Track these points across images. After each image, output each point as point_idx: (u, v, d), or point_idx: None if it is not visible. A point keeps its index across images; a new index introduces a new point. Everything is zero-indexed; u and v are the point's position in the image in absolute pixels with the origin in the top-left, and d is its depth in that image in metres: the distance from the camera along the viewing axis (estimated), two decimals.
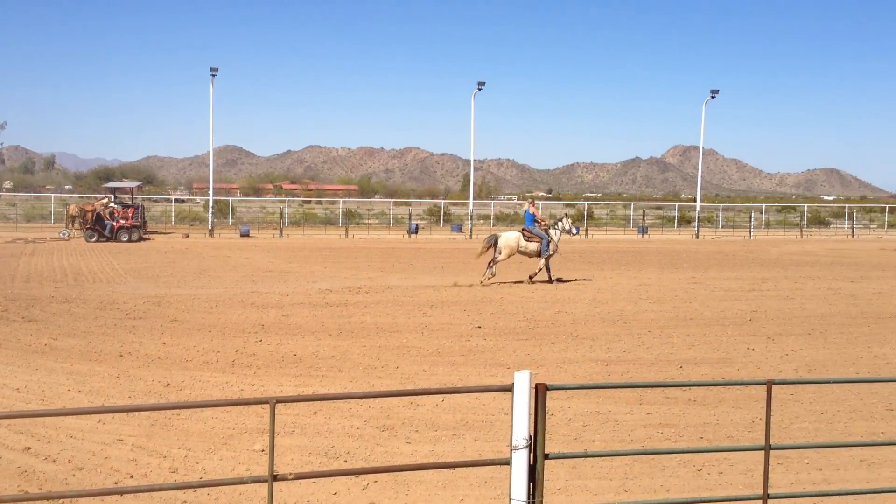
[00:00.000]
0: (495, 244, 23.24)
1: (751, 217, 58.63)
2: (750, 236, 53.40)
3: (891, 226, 62.74)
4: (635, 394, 10.59)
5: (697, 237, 51.96)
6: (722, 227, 62.63)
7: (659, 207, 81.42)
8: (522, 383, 3.54)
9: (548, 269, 23.39)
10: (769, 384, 3.74)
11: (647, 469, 7.83)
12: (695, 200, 60.87)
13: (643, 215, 62.82)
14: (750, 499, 4.04)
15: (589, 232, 53.78)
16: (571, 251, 36.80)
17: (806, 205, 72.06)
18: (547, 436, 8.77)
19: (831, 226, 66.26)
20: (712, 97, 54.81)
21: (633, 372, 12.06)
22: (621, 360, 12.80)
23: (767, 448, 3.80)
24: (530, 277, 23.26)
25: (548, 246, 23.41)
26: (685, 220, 63.40)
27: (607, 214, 74.15)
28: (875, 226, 67.42)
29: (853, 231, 59.00)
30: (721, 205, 75.56)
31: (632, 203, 74.07)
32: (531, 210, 24.53)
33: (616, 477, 7.64)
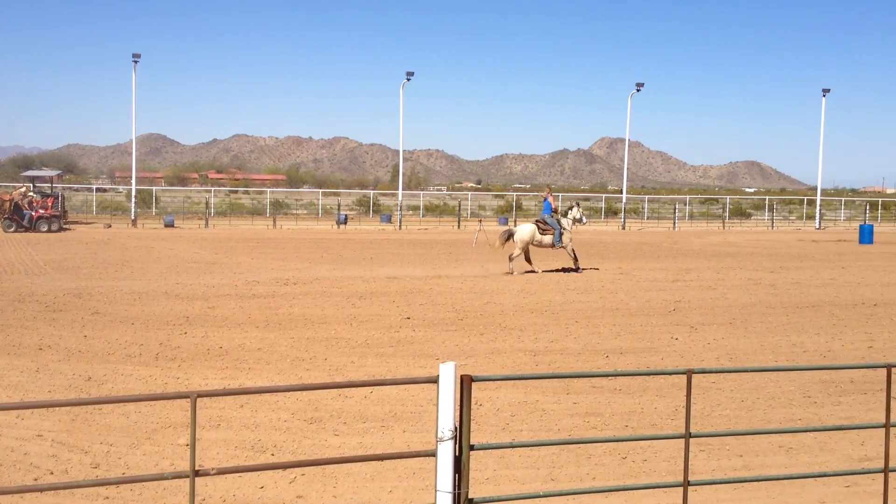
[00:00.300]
0: (510, 237, 24.05)
1: (675, 209, 59.72)
2: (674, 227, 54.45)
3: (808, 217, 64.55)
4: (563, 383, 10.70)
5: (624, 228, 52.77)
6: (647, 219, 63.73)
7: (587, 199, 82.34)
8: (448, 375, 3.54)
9: (574, 256, 24.41)
10: (689, 373, 3.82)
11: (573, 458, 7.93)
12: (621, 192, 61.81)
13: (570, 207, 63.44)
14: (672, 486, 4.12)
15: (518, 223, 54.13)
16: None
17: (728, 197, 73.80)
18: (475, 426, 8.85)
19: (752, 217, 67.93)
20: (637, 90, 55.67)
21: (560, 362, 12.19)
22: (549, 350, 12.93)
23: (688, 436, 3.88)
24: (575, 267, 24.19)
25: (560, 237, 24.19)
26: (612, 212, 64.30)
27: (535, 206, 74.70)
28: (794, 217, 69.39)
29: (773, 222, 60.61)
30: (646, 196, 76.87)
31: (560, 194, 74.79)
32: (549, 199, 25.72)
33: (543, 466, 7.72)
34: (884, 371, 10.57)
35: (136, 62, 47.44)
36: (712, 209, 72.42)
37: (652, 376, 11.07)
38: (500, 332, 14.44)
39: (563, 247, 24.35)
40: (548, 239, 24.09)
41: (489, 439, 8.38)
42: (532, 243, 23.88)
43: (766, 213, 65.52)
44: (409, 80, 52.47)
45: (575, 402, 9.96)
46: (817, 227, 57.13)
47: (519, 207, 64.87)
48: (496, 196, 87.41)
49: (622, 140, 58.37)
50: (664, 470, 7.58)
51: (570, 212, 25.30)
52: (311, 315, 15.70)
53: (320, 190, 74.06)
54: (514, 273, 23.09)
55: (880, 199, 76.73)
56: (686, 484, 3.83)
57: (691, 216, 66.49)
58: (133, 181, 50.93)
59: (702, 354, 12.81)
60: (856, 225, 52.38)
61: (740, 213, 68.86)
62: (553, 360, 12.25)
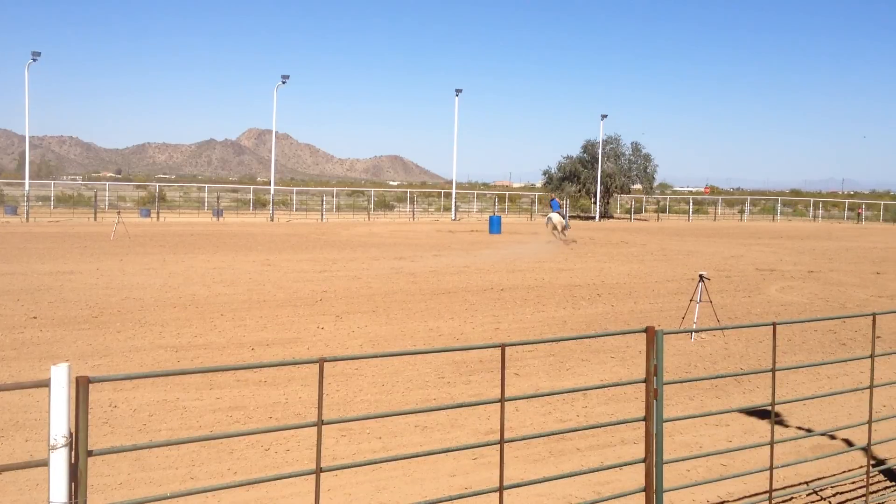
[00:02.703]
0: (550, 221, 37.40)
1: (323, 200, 60.73)
2: (322, 219, 55.35)
3: (446, 209, 68.73)
4: (206, 379, 10.42)
5: (272, 220, 52.67)
6: (296, 210, 64.16)
7: (235, 190, 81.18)
8: (60, 377, 3.24)
9: (565, 235, 37.32)
10: (321, 362, 3.84)
11: (214, 454, 7.73)
12: (270, 184, 61.62)
13: (217, 198, 62.21)
14: (305, 473, 4.12)
15: (161, 215, 51.97)
16: (143, 234, 35.33)
17: (373, 189, 76.41)
18: (110, 429, 8.33)
19: (395, 209, 70.99)
20: (283, 82, 55.74)
21: (204, 356, 11.86)
22: (192, 346, 12.52)
23: (320, 423, 3.90)
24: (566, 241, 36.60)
25: (567, 223, 38.06)
26: (261, 203, 63.95)
27: (181, 197, 72.28)
28: (433, 209, 73.52)
29: (414, 214, 63.77)
30: (295, 188, 77.37)
31: (206, 185, 72.87)
32: (557, 200, 41.44)
33: (182, 465, 7.44)
34: (507, 350, 11.38)
35: None
36: (359, 201, 74.64)
37: (297, 367, 11.14)
38: (140, 328, 13.73)
39: (567, 228, 37.78)
40: (562, 223, 37.09)
41: (125, 441, 7.93)
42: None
43: (408, 206, 68.77)
44: (35, 60, 48.20)
45: (218, 396, 9.73)
46: (453, 218, 60.99)
47: (163, 199, 62.25)
48: (138, 187, 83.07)
49: (271, 131, 58.13)
50: (306, 458, 7.64)
51: (564, 208, 39.57)
52: None
53: None
54: (568, 240, 36.48)
55: (507, 193, 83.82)
56: (318, 471, 3.85)
57: (339, 208, 68.00)
58: None
59: (346, 342, 13.12)
60: (486, 216, 56.75)
61: (384, 205, 71.76)
62: (196, 356, 11.88)
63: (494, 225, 44.68)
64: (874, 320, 6.36)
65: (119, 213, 39.86)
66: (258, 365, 3.89)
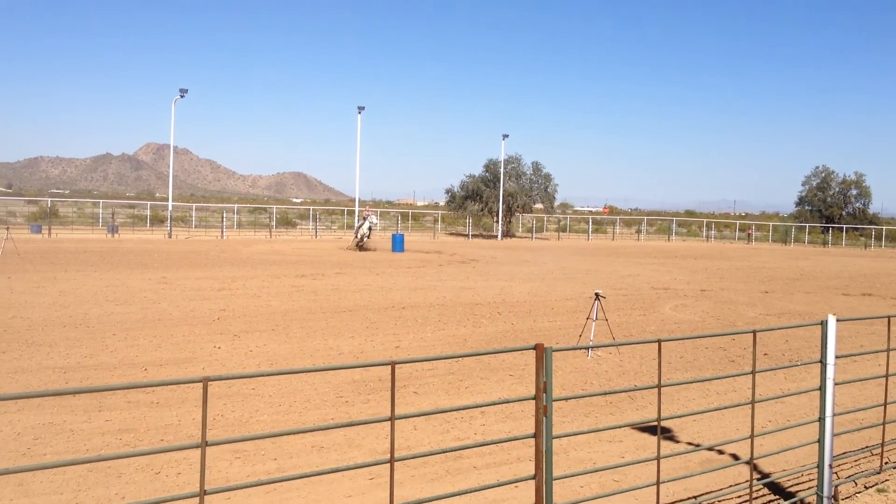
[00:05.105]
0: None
1: (223, 217, 59.70)
2: (223, 236, 54.38)
3: (349, 227, 68.37)
4: (95, 400, 10.11)
5: (170, 237, 51.49)
6: (196, 227, 62.88)
7: (132, 206, 79.03)
8: None
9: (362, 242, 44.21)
10: (205, 381, 3.78)
11: (102, 478, 7.49)
12: (168, 199, 60.23)
13: (113, 214, 60.48)
14: (187, 496, 4.04)
15: (53, 231, 50.21)
16: (33, 251, 34.08)
17: (275, 206, 75.49)
18: None
19: (298, 226, 70.29)
20: (181, 96, 54.69)
21: (94, 377, 11.49)
22: (82, 366, 12.12)
23: (204, 444, 3.83)
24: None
25: (367, 235, 44.03)
26: (158, 220, 62.45)
27: (75, 212, 70.00)
28: (336, 227, 73.09)
29: (317, 232, 63.26)
30: (194, 204, 75.82)
31: (101, 201, 70.69)
32: (371, 212, 45.45)
33: (68, 490, 7.19)
34: (402, 367, 11.41)
35: None
36: (260, 218, 73.66)
37: (191, 387, 10.91)
38: (27, 348, 13.23)
39: (364, 238, 43.78)
40: (364, 234, 43.70)
41: (8, 465, 7.60)
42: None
43: (311, 223, 68.20)
44: None
45: (108, 419, 9.44)
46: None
47: (56, 214, 60.16)
48: (29, 202, 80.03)
49: (169, 146, 56.84)
50: (198, 481, 7.47)
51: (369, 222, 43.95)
52: None
53: None
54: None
55: (411, 211, 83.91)
56: (202, 493, 3.78)
57: (240, 225, 66.98)
58: None
59: (244, 362, 12.91)
60: (390, 234, 56.69)
61: (287, 222, 71.01)
62: (86, 377, 11.50)
63: (397, 243, 44.69)
64: (755, 337, 6.61)
65: (8, 228, 38.39)
66: (135, 385, 3.80)
